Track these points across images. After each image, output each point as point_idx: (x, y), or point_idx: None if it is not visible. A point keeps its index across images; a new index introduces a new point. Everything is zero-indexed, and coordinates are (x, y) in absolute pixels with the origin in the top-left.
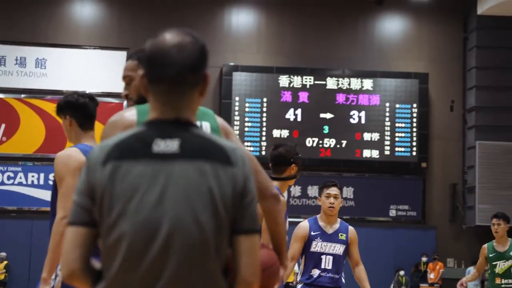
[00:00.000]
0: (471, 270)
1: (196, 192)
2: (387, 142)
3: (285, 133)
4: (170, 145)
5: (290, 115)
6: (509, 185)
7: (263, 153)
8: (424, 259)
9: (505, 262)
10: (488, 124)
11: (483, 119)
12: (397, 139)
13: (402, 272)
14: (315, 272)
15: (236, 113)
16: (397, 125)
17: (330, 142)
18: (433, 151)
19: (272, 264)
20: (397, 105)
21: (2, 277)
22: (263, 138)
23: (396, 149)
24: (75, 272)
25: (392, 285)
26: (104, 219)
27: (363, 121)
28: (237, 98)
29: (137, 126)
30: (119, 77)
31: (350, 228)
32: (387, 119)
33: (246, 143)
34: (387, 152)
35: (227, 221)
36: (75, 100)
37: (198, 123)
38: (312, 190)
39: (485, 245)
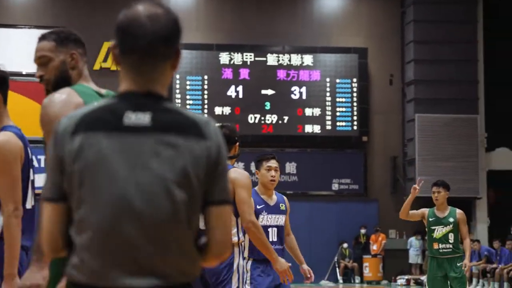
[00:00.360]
0: (413, 240)
1: (169, 166)
2: (329, 117)
3: (227, 110)
4: (141, 118)
5: (231, 92)
6: (448, 156)
7: None
8: (363, 231)
9: (443, 227)
10: (426, 97)
11: (422, 92)
12: (338, 113)
13: (345, 245)
14: None
15: (177, 91)
16: (337, 100)
17: (272, 118)
18: (373, 125)
19: None
20: (337, 80)
21: None
22: (205, 116)
23: (338, 123)
24: (59, 248)
25: (336, 258)
26: (74, 191)
27: (304, 97)
28: (177, 76)
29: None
30: None
31: (285, 197)
32: (327, 94)
33: None
34: (328, 127)
35: (200, 193)
36: (3, 75)
37: None
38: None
39: (427, 209)
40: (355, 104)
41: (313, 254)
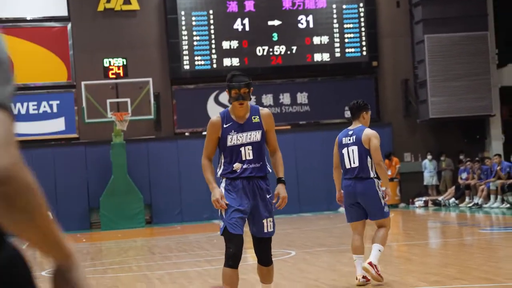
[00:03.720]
0: (427, 162)
1: None
2: (337, 44)
3: (234, 44)
4: None
5: (237, 25)
6: (459, 75)
7: (214, 66)
8: None
9: None
10: (434, 17)
11: (430, 12)
12: (346, 40)
13: None
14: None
15: (183, 27)
16: (345, 26)
17: (280, 49)
18: (383, 49)
19: None
20: (344, 6)
21: None
22: (213, 51)
23: (346, 50)
24: None
25: None
26: None
27: (311, 25)
28: (182, 13)
29: None
30: (61, 0)
31: None
32: (335, 21)
33: (196, 57)
34: (337, 54)
35: None
36: None
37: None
38: (267, 99)
39: None
40: (363, 29)
41: (330, 182)
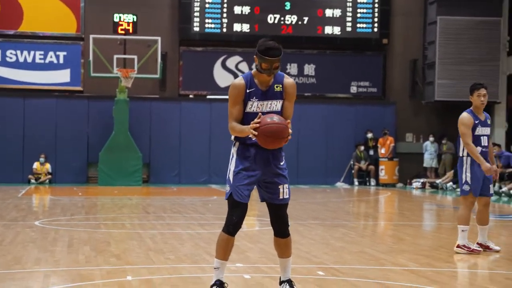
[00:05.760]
0: (428, 144)
1: None
2: (349, 19)
3: (246, 9)
4: None
5: None
6: (468, 60)
7: (224, 30)
8: (369, 135)
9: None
10: None
11: None
12: (358, 15)
13: (362, 148)
14: None
15: None
16: (358, 0)
17: (291, 19)
18: (394, 27)
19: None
20: None
21: None
22: (224, 15)
23: (358, 25)
24: None
25: (351, 161)
26: None
27: None
28: None
29: None
30: None
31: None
32: None
33: (206, 20)
34: (348, 29)
35: None
36: None
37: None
38: None
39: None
40: (376, 5)
41: (329, 157)
